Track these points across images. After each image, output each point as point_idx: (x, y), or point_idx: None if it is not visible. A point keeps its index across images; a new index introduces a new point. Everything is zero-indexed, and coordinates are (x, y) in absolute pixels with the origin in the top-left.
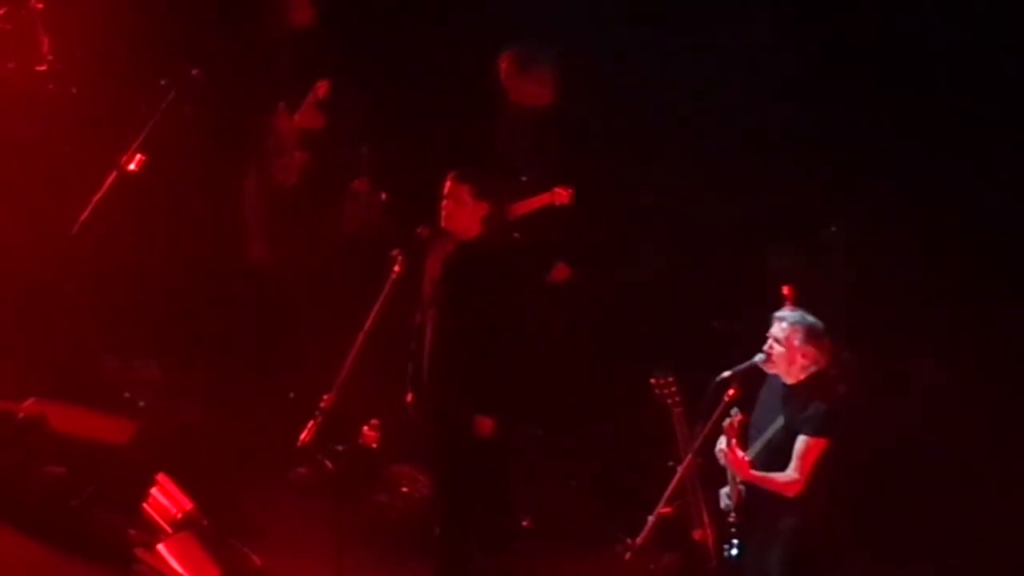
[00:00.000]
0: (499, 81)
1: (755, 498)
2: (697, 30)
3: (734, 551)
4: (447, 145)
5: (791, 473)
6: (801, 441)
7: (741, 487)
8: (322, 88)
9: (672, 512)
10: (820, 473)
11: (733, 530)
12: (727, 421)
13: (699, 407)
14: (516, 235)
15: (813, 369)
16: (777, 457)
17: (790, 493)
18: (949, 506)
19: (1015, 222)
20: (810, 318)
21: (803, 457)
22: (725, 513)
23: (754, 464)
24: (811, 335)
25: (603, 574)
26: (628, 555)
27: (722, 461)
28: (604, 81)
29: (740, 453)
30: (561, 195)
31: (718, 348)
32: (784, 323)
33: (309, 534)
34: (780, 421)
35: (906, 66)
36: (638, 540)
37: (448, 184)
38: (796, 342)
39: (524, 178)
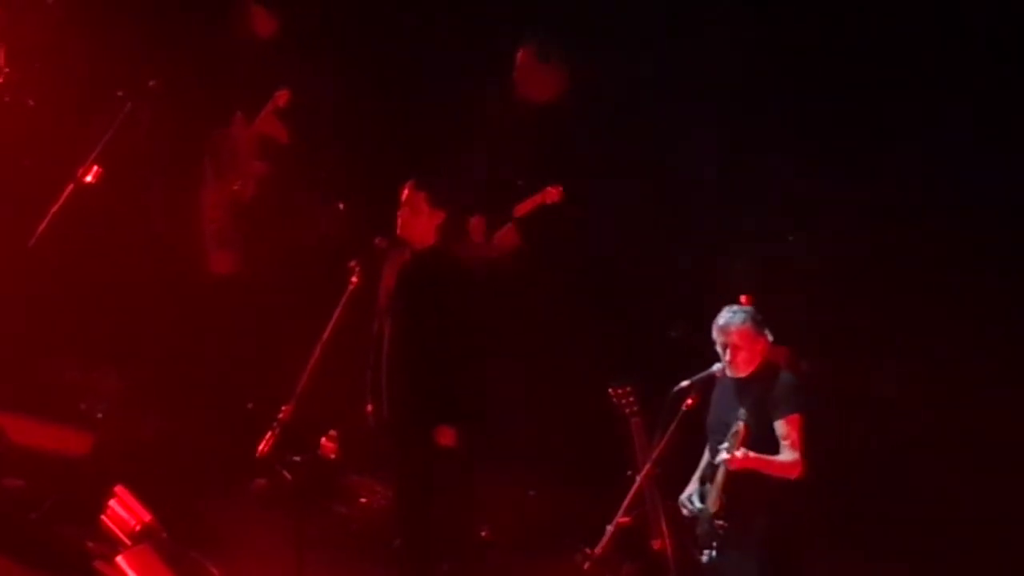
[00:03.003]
0: (498, 78)
1: (733, 500)
2: (653, 37)
3: (711, 557)
4: (405, 154)
5: (788, 454)
6: (781, 423)
7: (721, 487)
8: (282, 97)
9: (631, 521)
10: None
11: (713, 535)
12: (734, 429)
13: (657, 417)
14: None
15: (767, 356)
16: (754, 444)
17: (795, 473)
18: (914, 509)
19: (980, 228)
20: (750, 310)
21: (790, 436)
22: (689, 520)
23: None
24: (759, 323)
25: None
26: (587, 565)
27: (733, 466)
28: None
29: (742, 451)
30: (551, 194)
31: (676, 357)
32: (731, 328)
33: (268, 545)
34: (741, 413)
35: (871, 71)
36: (597, 550)
37: (405, 192)
38: (751, 338)
39: (520, 182)
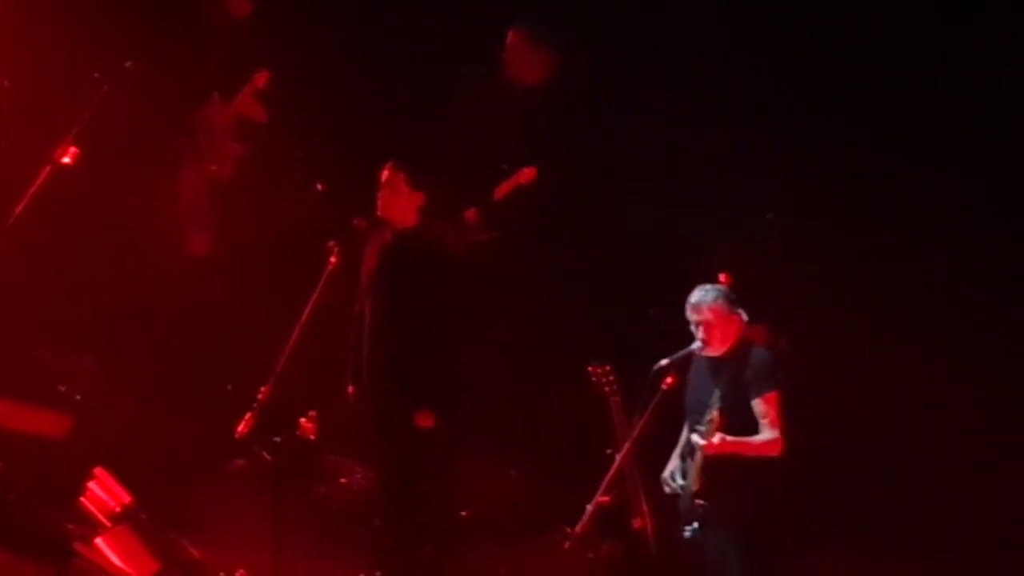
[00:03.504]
0: (486, 59)
1: (712, 480)
2: (640, 19)
3: (694, 532)
4: (385, 136)
5: (767, 434)
6: (758, 402)
7: (701, 467)
8: (261, 78)
9: (611, 500)
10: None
11: (695, 513)
12: (709, 416)
13: (637, 396)
14: (481, 236)
15: (742, 334)
16: (731, 425)
17: (775, 452)
18: (891, 489)
19: (957, 211)
20: (722, 288)
21: (768, 414)
22: (672, 498)
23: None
24: (732, 302)
25: (543, 564)
26: (567, 544)
27: (698, 454)
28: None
29: (718, 436)
30: (526, 174)
31: (656, 336)
32: (703, 307)
33: (247, 526)
34: (716, 396)
35: (846, 57)
36: (577, 529)
37: (385, 173)
38: (724, 316)
39: (505, 166)
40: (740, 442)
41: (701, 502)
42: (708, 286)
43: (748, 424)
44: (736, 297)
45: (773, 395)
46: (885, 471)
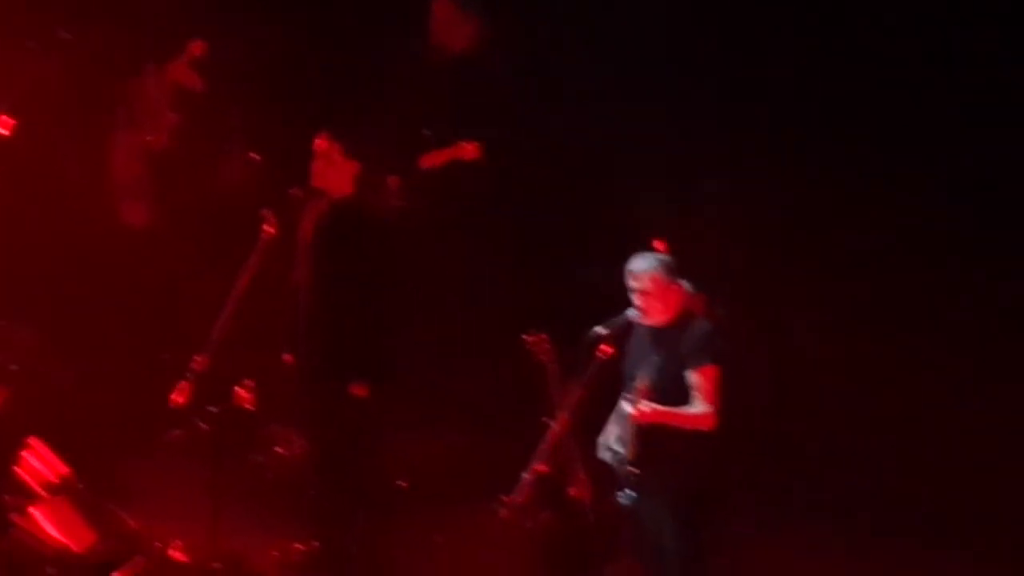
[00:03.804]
0: (413, 26)
1: (647, 448)
2: None
3: (630, 499)
4: (321, 105)
5: (701, 406)
6: (695, 374)
7: (634, 435)
8: (196, 47)
9: (548, 469)
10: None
11: (629, 480)
12: (636, 384)
13: (573, 364)
14: (397, 203)
15: (683, 304)
16: (665, 397)
17: (708, 425)
18: (825, 454)
19: (891, 175)
20: (662, 257)
21: (703, 387)
22: (609, 466)
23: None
24: (672, 272)
25: (480, 533)
26: (504, 513)
27: (628, 423)
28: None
29: (647, 404)
30: (468, 150)
31: (592, 304)
32: (642, 275)
33: (184, 496)
34: (656, 363)
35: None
36: (514, 498)
37: (320, 143)
38: (663, 285)
39: (428, 132)
40: (670, 412)
41: (633, 470)
42: (648, 254)
43: (683, 396)
44: (676, 266)
45: (710, 369)
46: (824, 445)
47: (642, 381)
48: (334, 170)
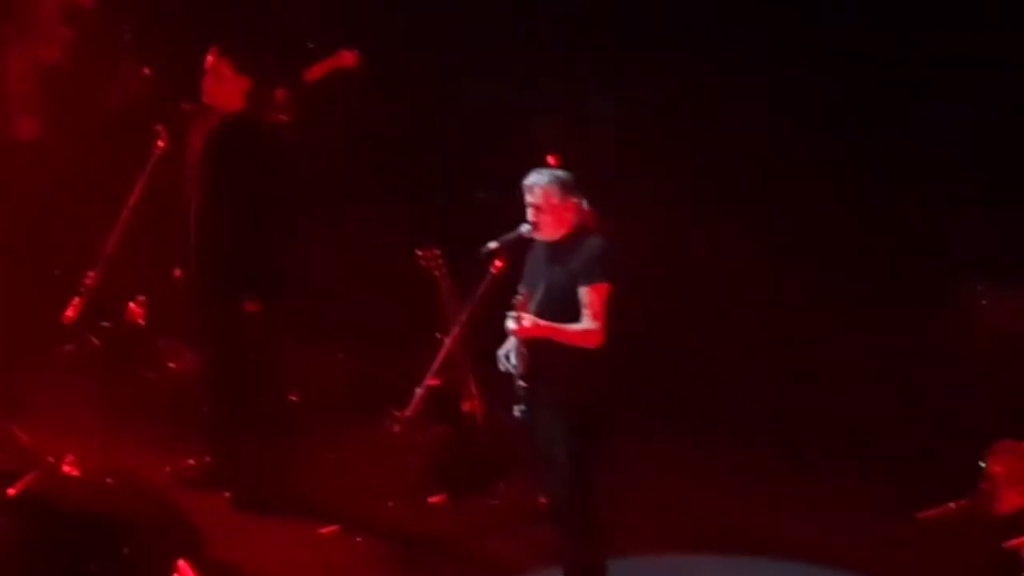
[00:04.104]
0: None
1: (539, 363)
2: None
3: (523, 413)
4: (212, 19)
5: (587, 323)
6: (584, 291)
7: (524, 351)
8: None
9: (440, 384)
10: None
11: (522, 394)
12: (515, 300)
13: (466, 279)
14: (283, 117)
15: (577, 222)
16: (557, 312)
17: (593, 343)
18: (718, 375)
19: (785, 92)
20: (558, 172)
21: (592, 305)
22: (507, 375)
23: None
24: (567, 187)
25: (372, 447)
26: (397, 427)
27: (515, 338)
28: None
29: (527, 318)
30: (346, 57)
31: (484, 219)
32: (536, 188)
33: (76, 411)
34: (549, 278)
35: None
36: (407, 412)
37: (210, 59)
38: (556, 200)
39: (311, 45)
40: (553, 328)
41: (522, 383)
42: (545, 169)
43: (576, 312)
44: (573, 183)
45: (600, 286)
46: (714, 361)
47: (521, 295)
48: (223, 86)
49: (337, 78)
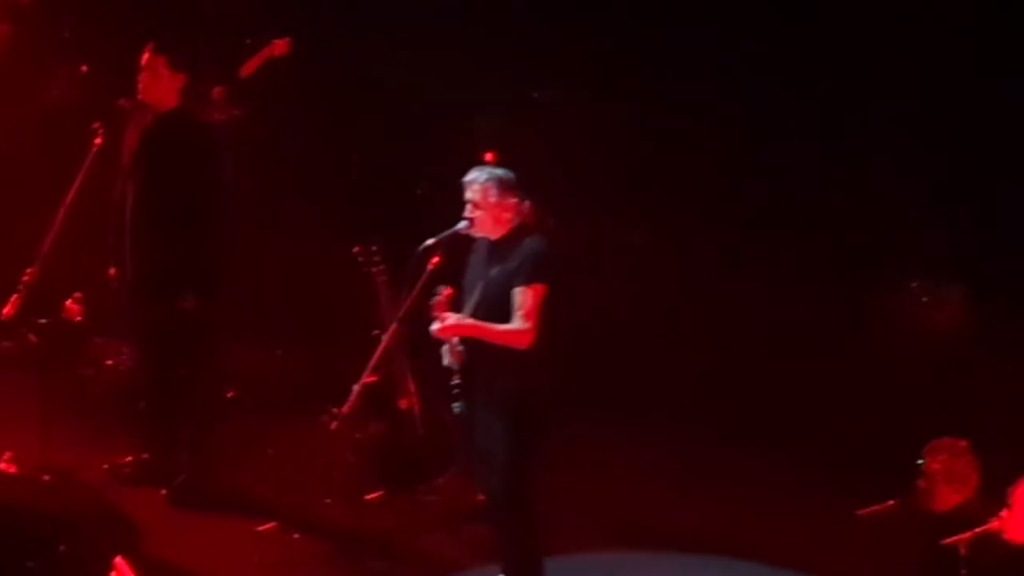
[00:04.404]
0: None
1: (476, 360)
2: None
3: (461, 409)
4: (153, 17)
5: (518, 323)
6: (519, 291)
7: (460, 348)
8: None
9: (377, 380)
10: (542, 324)
11: (456, 392)
12: (435, 299)
13: (403, 275)
14: (219, 115)
15: (517, 221)
16: (494, 312)
17: (523, 343)
18: (655, 368)
19: (728, 90)
20: (498, 171)
21: (525, 305)
22: (448, 372)
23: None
24: (505, 187)
25: (309, 444)
26: (334, 424)
27: (440, 336)
28: None
29: (452, 317)
30: (278, 46)
31: (423, 215)
32: (475, 184)
33: (13, 408)
34: (488, 277)
35: None
36: (344, 409)
37: (145, 56)
38: (494, 198)
39: (248, 40)
40: (479, 327)
41: (456, 381)
42: (486, 167)
43: (509, 312)
44: (513, 182)
45: (535, 288)
46: (646, 346)
47: (440, 294)
48: (159, 83)
49: (272, 69)
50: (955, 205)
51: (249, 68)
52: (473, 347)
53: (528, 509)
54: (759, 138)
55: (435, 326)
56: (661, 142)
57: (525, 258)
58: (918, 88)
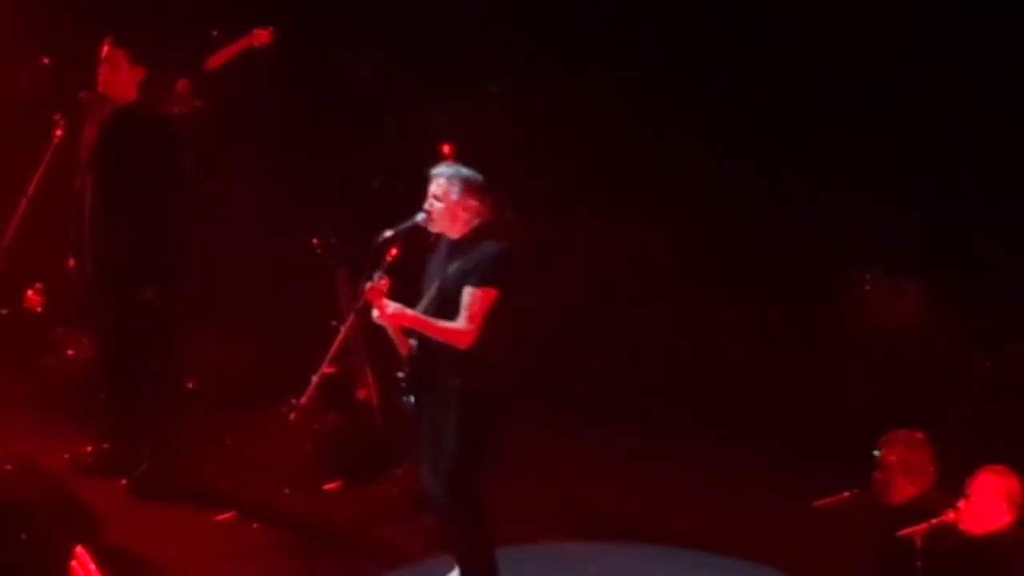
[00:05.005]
0: None
1: (426, 353)
2: None
3: (412, 400)
4: (117, 9)
5: (461, 323)
6: (468, 292)
7: (412, 341)
8: None
9: (336, 371)
10: (491, 324)
11: (404, 385)
12: (367, 285)
13: (361, 267)
14: (177, 108)
15: (476, 222)
16: (445, 310)
17: (462, 343)
18: (613, 359)
19: (684, 79)
20: (466, 171)
21: (471, 307)
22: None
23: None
24: (468, 187)
25: (268, 434)
26: (293, 415)
27: (380, 323)
28: None
29: (391, 306)
30: (260, 36)
31: (380, 208)
32: (440, 179)
33: None
34: (444, 275)
35: None
36: (302, 400)
37: (105, 49)
38: (454, 196)
39: (215, 33)
40: (421, 320)
41: (401, 375)
42: (457, 166)
43: (456, 311)
44: (478, 184)
45: (485, 291)
46: (603, 344)
47: (374, 282)
48: (118, 76)
49: (248, 59)
50: (911, 195)
51: (220, 59)
52: (421, 341)
53: (474, 500)
54: (718, 132)
55: (375, 313)
56: (618, 135)
57: (480, 260)
58: (871, 75)
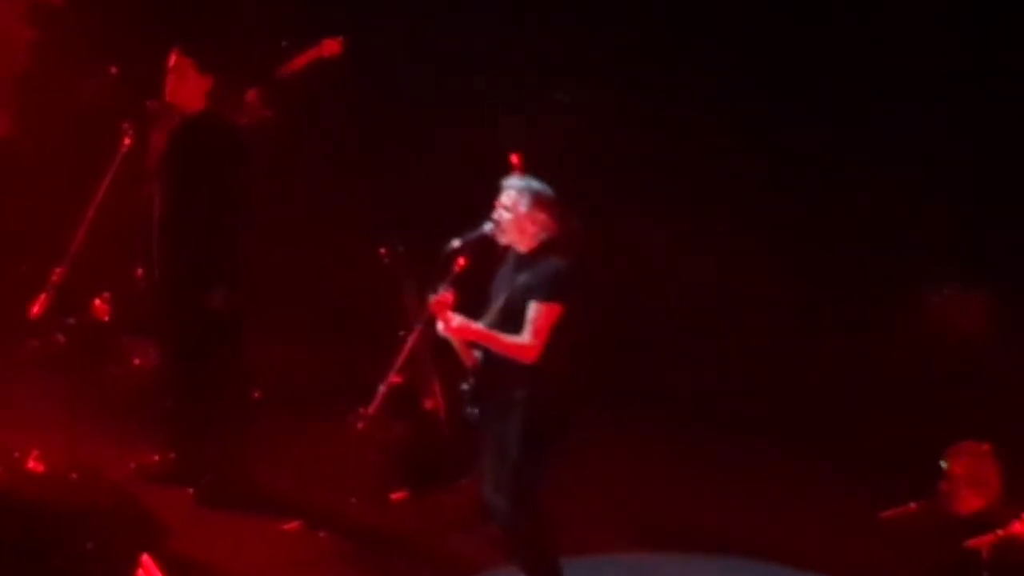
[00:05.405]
0: None
1: (491, 365)
2: None
3: (474, 414)
4: (179, 18)
5: (526, 338)
6: (534, 307)
7: (477, 353)
8: None
9: (403, 381)
10: (555, 339)
11: (468, 397)
12: (434, 299)
13: (429, 277)
14: (244, 119)
15: (544, 236)
16: (510, 323)
17: (526, 358)
18: (674, 367)
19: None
20: (536, 184)
21: (536, 322)
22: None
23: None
24: (538, 201)
25: (335, 444)
26: (360, 424)
27: (447, 335)
28: None
29: (456, 319)
30: (331, 46)
31: (449, 218)
32: (511, 190)
33: (41, 407)
34: (511, 288)
35: None
36: (370, 410)
37: (173, 58)
38: (523, 208)
39: (284, 43)
40: (486, 333)
41: (466, 386)
42: (528, 179)
43: (519, 325)
44: (550, 199)
45: (549, 306)
46: (672, 354)
47: (442, 292)
48: (186, 85)
49: (319, 69)
50: (981, 208)
51: (294, 67)
52: (486, 353)
53: (533, 511)
54: (786, 141)
55: (440, 325)
56: (680, 142)
57: (547, 275)
58: (943, 84)
